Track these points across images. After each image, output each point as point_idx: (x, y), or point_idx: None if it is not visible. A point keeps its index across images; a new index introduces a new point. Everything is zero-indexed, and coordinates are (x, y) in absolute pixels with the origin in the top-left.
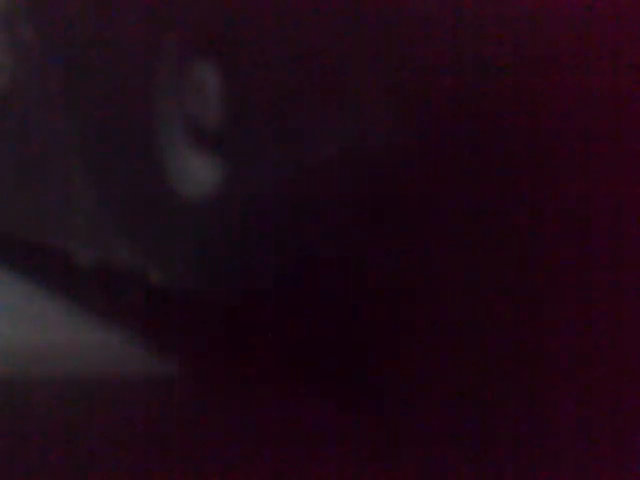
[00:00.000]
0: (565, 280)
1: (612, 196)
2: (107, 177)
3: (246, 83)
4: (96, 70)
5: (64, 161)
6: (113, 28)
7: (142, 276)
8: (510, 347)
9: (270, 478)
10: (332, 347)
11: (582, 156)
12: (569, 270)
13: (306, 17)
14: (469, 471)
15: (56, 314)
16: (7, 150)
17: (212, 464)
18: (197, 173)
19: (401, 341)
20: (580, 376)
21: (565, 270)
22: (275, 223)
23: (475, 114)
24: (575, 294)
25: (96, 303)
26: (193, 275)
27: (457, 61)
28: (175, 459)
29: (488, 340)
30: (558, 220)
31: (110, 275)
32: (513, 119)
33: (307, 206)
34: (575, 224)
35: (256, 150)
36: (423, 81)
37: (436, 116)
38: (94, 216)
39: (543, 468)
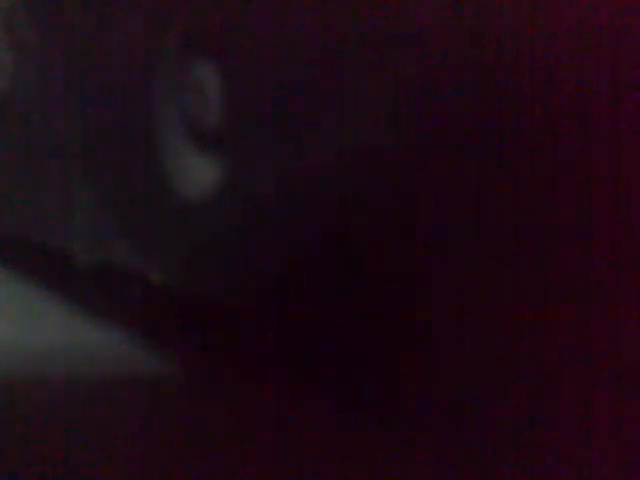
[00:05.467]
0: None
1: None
2: (107, 177)
3: (246, 83)
4: (96, 71)
5: (64, 162)
6: (113, 28)
7: (142, 276)
8: (513, 349)
9: (270, 478)
10: (332, 347)
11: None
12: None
13: (306, 17)
14: (471, 471)
15: (56, 314)
16: (7, 150)
17: (212, 464)
18: (197, 173)
19: (402, 341)
20: (580, 378)
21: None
22: (275, 223)
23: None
24: (576, 295)
25: (96, 303)
26: (193, 275)
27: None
28: (175, 458)
29: (489, 341)
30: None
31: (110, 275)
32: (514, 118)
33: (307, 206)
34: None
35: (256, 150)
36: (423, 81)
37: (437, 116)
38: (94, 216)
39: (543, 468)
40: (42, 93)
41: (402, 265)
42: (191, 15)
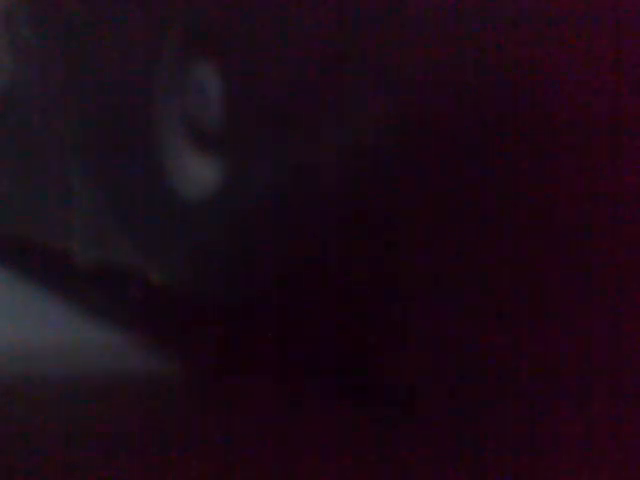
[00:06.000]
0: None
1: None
2: (107, 177)
3: (246, 83)
4: (96, 71)
5: (64, 161)
6: (113, 28)
7: (142, 276)
8: (513, 348)
9: (270, 478)
10: (332, 347)
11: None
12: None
13: (306, 17)
14: (470, 471)
15: (56, 314)
16: (7, 150)
17: (212, 464)
18: (197, 173)
19: (401, 341)
20: (580, 378)
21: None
22: (275, 223)
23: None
24: (575, 294)
25: (96, 303)
26: (193, 275)
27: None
28: (175, 458)
29: (489, 340)
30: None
31: (110, 275)
32: (514, 119)
33: (307, 206)
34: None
35: (256, 150)
36: (423, 80)
37: (437, 115)
38: (94, 216)
39: (543, 468)
40: (42, 93)
41: (402, 265)
42: (191, 15)
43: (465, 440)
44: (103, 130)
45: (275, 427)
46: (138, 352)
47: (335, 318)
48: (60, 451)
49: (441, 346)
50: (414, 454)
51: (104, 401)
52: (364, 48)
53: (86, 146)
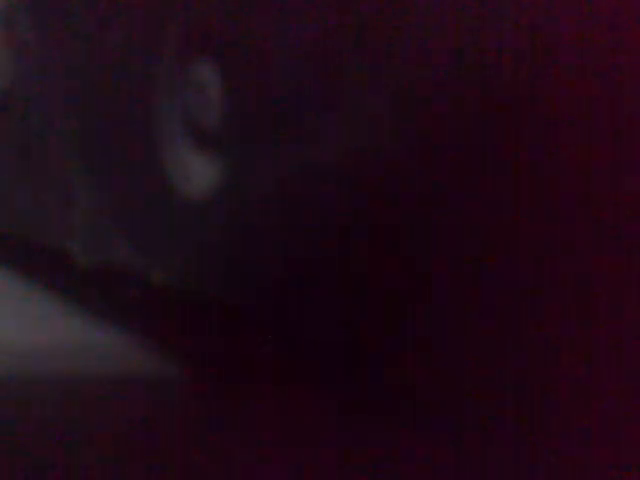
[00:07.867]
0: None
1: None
2: (107, 177)
3: (246, 83)
4: (97, 71)
5: (64, 161)
6: (113, 28)
7: (142, 276)
8: (513, 348)
9: (270, 478)
10: (331, 347)
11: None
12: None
13: (306, 17)
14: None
15: (56, 314)
16: (7, 150)
17: (212, 463)
18: (197, 172)
19: (401, 342)
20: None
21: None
22: (275, 222)
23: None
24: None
25: (96, 303)
26: (193, 275)
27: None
28: (175, 458)
29: (490, 343)
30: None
31: (110, 275)
32: (515, 120)
33: (307, 206)
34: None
35: (256, 150)
36: (424, 81)
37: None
38: (94, 216)
39: (543, 468)
40: (42, 93)
41: (402, 267)
42: (191, 15)
43: (466, 443)
44: (103, 130)
45: (276, 427)
46: (138, 352)
47: (336, 318)
48: (60, 451)
49: (442, 349)
50: (415, 457)
51: (104, 401)
52: (365, 48)
53: (86, 146)
